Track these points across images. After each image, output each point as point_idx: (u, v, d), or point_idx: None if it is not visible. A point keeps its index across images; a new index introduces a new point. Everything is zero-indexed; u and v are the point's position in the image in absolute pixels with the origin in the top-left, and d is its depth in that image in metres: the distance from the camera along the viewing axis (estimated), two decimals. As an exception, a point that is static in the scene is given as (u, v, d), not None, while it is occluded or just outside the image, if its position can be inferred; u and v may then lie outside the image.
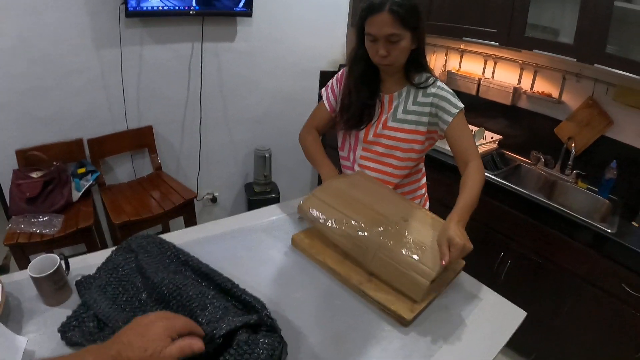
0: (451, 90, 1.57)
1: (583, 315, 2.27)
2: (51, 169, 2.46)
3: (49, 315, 1.08)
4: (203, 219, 3.53)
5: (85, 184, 2.60)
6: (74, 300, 1.13)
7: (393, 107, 1.62)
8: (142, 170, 3.11)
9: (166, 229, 3.01)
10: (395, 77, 1.61)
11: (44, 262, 1.10)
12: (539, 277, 2.43)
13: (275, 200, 3.46)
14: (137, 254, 1.22)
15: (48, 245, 2.27)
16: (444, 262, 1.16)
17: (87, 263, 1.27)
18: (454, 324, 1.22)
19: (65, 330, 0.99)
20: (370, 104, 1.63)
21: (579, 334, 2.32)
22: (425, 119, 1.57)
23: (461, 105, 1.54)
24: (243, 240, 1.51)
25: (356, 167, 1.74)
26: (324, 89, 1.79)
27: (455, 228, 1.22)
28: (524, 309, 1.33)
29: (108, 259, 1.24)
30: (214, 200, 3.59)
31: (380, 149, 1.66)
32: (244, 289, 1.08)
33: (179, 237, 1.47)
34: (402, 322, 1.17)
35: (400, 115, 1.60)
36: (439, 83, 1.58)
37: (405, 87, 1.61)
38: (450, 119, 1.52)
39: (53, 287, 1.09)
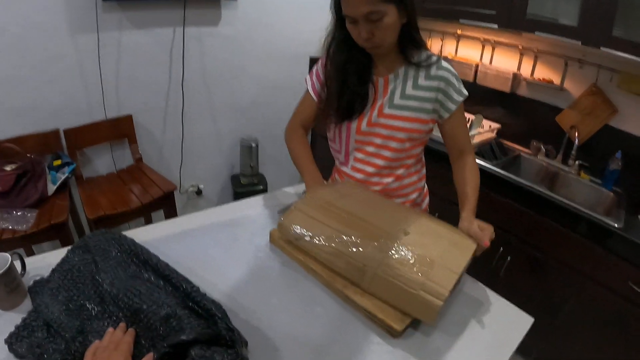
0: (456, 73, 1.41)
1: (586, 314, 2.19)
2: (25, 162, 2.36)
3: (2, 321, 0.98)
4: (188, 212, 3.32)
5: (61, 176, 2.48)
6: (30, 304, 1.04)
7: (389, 91, 1.42)
8: (122, 161, 2.98)
9: (149, 223, 2.89)
10: (389, 57, 1.40)
11: None
12: (539, 273, 2.34)
13: (263, 192, 3.32)
14: (94, 255, 1.13)
15: (21, 241, 2.16)
16: (486, 243, 1.21)
17: (46, 262, 1.16)
18: (451, 333, 1.08)
19: (12, 342, 0.91)
20: (360, 92, 1.42)
21: (581, 334, 2.23)
22: (429, 106, 1.40)
23: (465, 92, 1.41)
24: (216, 237, 1.38)
25: (350, 161, 1.55)
26: (307, 75, 1.57)
27: (475, 222, 1.28)
28: (524, 306, 1.22)
29: (63, 260, 1.15)
30: (198, 192, 3.47)
31: (376, 140, 1.46)
32: (204, 294, 0.98)
33: (147, 233, 1.35)
34: (392, 333, 1.03)
35: (397, 100, 1.40)
36: (443, 63, 1.40)
37: (403, 67, 1.41)
38: (453, 107, 1.40)
39: (4, 289, 1.00)
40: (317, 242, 1.20)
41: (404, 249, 1.11)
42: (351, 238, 1.16)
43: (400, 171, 1.52)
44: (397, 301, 1.06)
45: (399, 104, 1.40)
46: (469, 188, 1.41)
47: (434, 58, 1.39)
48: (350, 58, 1.39)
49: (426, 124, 1.43)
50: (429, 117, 1.42)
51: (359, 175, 1.53)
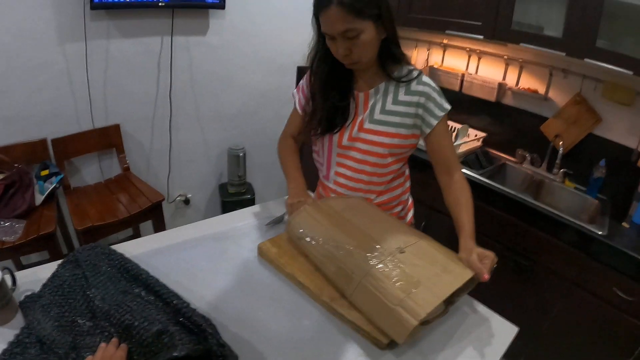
0: (438, 88, 1.40)
1: (572, 319, 2.20)
2: (13, 172, 2.33)
3: None
4: (176, 221, 3.40)
5: (49, 186, 2.46)
6: (21, 319, 1.03)
7: (370, 106, 1.42)
8: (110, 171, 2.97)
9: (137, 234, 2.91)
10: (369, 72, 1.40)
11: None
12: (526, 280, 2.35)
13: (251, 202, 3.34)
14: (85, 270, 1.12)
15: (9, 253, 2.14)
16: (485, 277, 1.14)
17: (37, 277, 1.15)
18: (438, 343, 1.09)
19: (5, 359, 0.90)
20: (342, 106, 1.43)
21: (568, 339, 2.24)
22: (409, 121, 1.39)
23: (448, 106, 1.39)
24: (204, 250, 1.38)
25: (332, 175, 1.56)
26: (295, 90, 1.60)
27: (475, 247, 1.25)
28: (510, 314, 1.22)
29: (54, 275, 1.14)
30: (186, 202, 3.44)
31: (356, 155, 1.46)
32: (195, 309, 0.98)
33: (136, 246, 1.34)
34: (379, 345, 1.04)
35: (378, 115, 1.40)
36: (424, 78, 1.39)
37: (383, 82, 1.41)
38: (435, 122, 1.38)
39: None
40: (314, 243, 1.24)
41: (393, 265, 1.11)
42: (346, 245, 1.18)
43: (381, 187, 1.52)
44: (374, 314, 1.06)
45: (379, 119, 1.40)
46: (464, 213, 1.38)
47: (415, 73, 1.39)
48: (332, 73, 1.39)
49: (407, 139, 1.42)
50: (409, 132, 1.41)
51: (341, 190, 1.53)
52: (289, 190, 1.52)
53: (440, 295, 1.04)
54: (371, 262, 1.11)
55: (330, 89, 1.41)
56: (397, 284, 1.05)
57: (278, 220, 1.59)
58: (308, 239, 1.25)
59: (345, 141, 1.45)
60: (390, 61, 1.38)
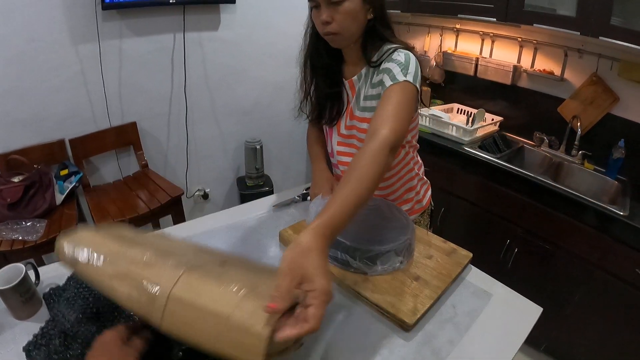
0: (403, 60, 1.21)
1: (595, 303, 2.19)
2: (32, 173, 2.37)
3: (18, 330, 0.99)
4: (195, 216, 3.40)
5: (69, 186, 2.50)
6: (46, 312, 1.04)
7: (356, 93, 1.39)
8: (129, 168, 3.00)
9: (157, 229, 2.90)
10: (352, 57, 1.36)
11: (9, 273, 1.02)
12: (547, 264, 2.33)
13: (269, 194, 3.31)
14: None
15: (32, 252, 2.17)
16: (280, 335, 0.69)
17: (59, 272, 1.16)
18: (462, 325, 1.08)
19: (30, 350, 0.91)
20: (332, 95, 1.42)
21: (591, 323, 2.23)
22: None
23: (401, 78, 1.18)
24: (226, 240, 1.38)
25: (336, 163, 1.59)
26: None
27: (315, 255, 0.77)
28: (533, 298, 1.20)
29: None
30: (205, 196, 3.47)
31: (354, 142, 1.46)
32: None
33: (157, 238, 1.34)
34: (404, 327, 1.03)
35: (362, 102, 1.37)
36: (393, 55, 1.24)
37: (364, 67, 1.35)
38: (382, 92, 1.22)
39: (20, 299, 1.01)
40: (94, 263, 0.83)
41: (213, 272, 0.81)
42: (141, 256, 0.83)
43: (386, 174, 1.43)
44: (203, 334, 0.72)
45: (364, 106, 1.37)
46: (339, 188, 0.94)
47: (391, 49, 1.26)
48: (323, 63, 1.38)
49: None
50: None
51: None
52: (312, 178, 1.54)
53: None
54: (179, 268, 0.80)
55: (320, 78, 1.42)
56: (229, 288, 0.75)
57: (286, 203, 1.62)
58: (85, 258, 0.84)
59: (343, 129, 1.46)
60: (371, 45, 1.30)
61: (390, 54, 1.25)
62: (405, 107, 1.15)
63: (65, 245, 0.87)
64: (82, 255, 0.84)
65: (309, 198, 1.57)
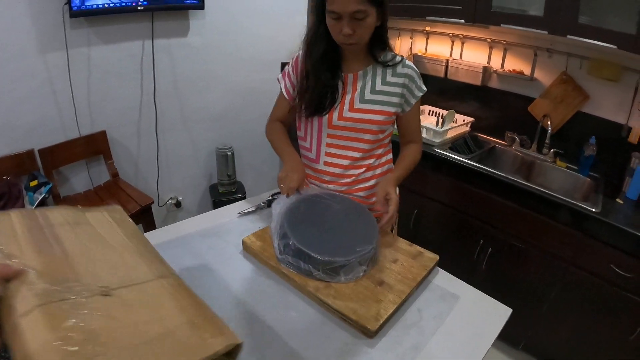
0: (418, 70, 1.53)
1: (571, 299, 2.19)
2: (1, 184, 2.31)
3: None
4: (168, 224, 3.33)
5: (39, 197, 2.43)
6: None
7: (359, 87, 1.50)
8: (99, 178, 2.93)
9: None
10: (359, 55, 1.50)
11: None
12: (522, 263, 2.33)
13: (242, 200, 3.31)
14: None
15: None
16: (384, 221, 1.30)
17: None
18: (428, 329, 1.06)
19: None
20: (332, 86, 1.50)
21: (568, 319, 2.23)
22: (395, 100, 1.50)
23: (424, 88, 1.55)
24: (190, 248, 1.36)
25: (322, 156, 1.59)
26: (280, 76, 1.65)
27: (394, 187, 1.40)
28: (508, 297, 1.19)
29: None
30: (178, 204, 3.42)
31: (348, 134, 1.53)
32: None
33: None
34: (367, 334, 1.01)
35: (368, 95, 1.49)
36: (407, 62, 1.52)
37: (371, 65, 1.51)
38: (413, 101, 1.53)
39: None
40: None
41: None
42: (29, 268, 0.67)
43: (371, 161, 1.59)
44: None
45: (370, 99, 1.49)
46: (400, 164, 1.56)
47: (399, 58, 1.51)
48: (327, 52, 1.46)
49: (392, 116, 1.53)
50: (394, 109, 1.52)
51: (332, 169, 1.58)
52: (284, 164, 1.53)
53: None
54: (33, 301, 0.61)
55: (323, 69, 1.47)
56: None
57: (251, 210, 1.64)
58: None
59: (335, 121, 1.51)
60: (377, 46, 1.48)
61: (402, 60, 1.51)
62: None
63: None
64: None
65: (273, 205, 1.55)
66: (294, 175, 1.43)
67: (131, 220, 1.00)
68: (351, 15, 1.29)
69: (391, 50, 1.52)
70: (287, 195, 1.38)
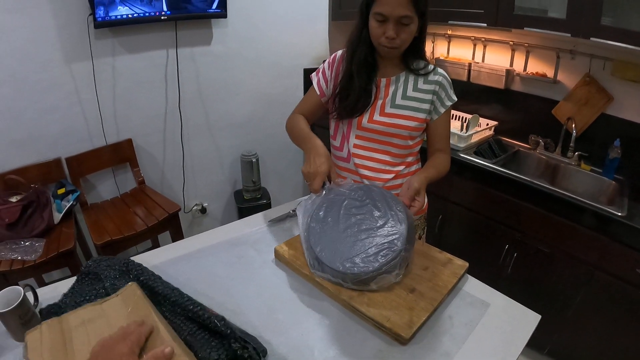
0: (450, 80, 1.58)
1: (596, 304, 2.17)
2: (30, 192, 2.37)
3: (19, 351, 0.98)
4: (194, 231, 3.41)
5: (66, 204, 2.49)
6: None
7: (390, 92, 1.56)
8: (125, 185, 3.00)
9: (156, 245, 2.90)
10: (393, 61, 1.55)
11: (8, 296, 1.01)
12: (547, 267, 2.32)
13: (267, 206, 3.34)
14: (104, 282, 1.12)
15: (31, 271, 2.16)
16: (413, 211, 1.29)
17: (58, 292, 1.15)
18: (460, 336, 1.08)
19: None
20: (367, 89, 1.54)
21: (593, 324, 2.21)
22: (426, 106, 1.55)
23: (455, 98, 1.58)
24: (221, 257, 1.38)
25: (352, 157, 1.64)
26: (314, 73, 1.68)
27: (424, 187, 1.37)
28: (533, 302, 1.20)
29: (73, 289, 1.14)
30: (203, 211, 3.46)
31: (376, 136, 1.58)
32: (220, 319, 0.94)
33: (153, 257, 1.35)
34: (400, 341, 1.03)
35: (399, 101, 1.55)
36: (439, 70, 1.57)
37: (404, 72, 1.56)
38: (442, 110, 1.57)
39: (19, 321, 1.00)
40: None
41: None
42: None
43: (401, 167, 1.64)
44: None
45: (401, 104, 1.54)
46: (431, 164, 1.54)
47: (431, 67, 1.56)
48: (367, 55, 1.51)
49: (423, 122, 1.57)
50: (425, 116, 1.56)
51: (362, 171, 1.63)
52: (305, 153, 1.42)
53: None
54: None
55: (363, 72, 1.52)
56: None
57: (281, 218, 1.63)
58: None
59: (365, 123, 1.57)
60: (412, 55, 1.54)
61: (435, 69, 1.57)
62: None
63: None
64: None
65: None
66: (318, 160, 1.33)
67: (144, 296, 1.00)
68: (397, 19, 1.35)
69: (425, 59, 1.57)
70: (316, 192, 1.31)
